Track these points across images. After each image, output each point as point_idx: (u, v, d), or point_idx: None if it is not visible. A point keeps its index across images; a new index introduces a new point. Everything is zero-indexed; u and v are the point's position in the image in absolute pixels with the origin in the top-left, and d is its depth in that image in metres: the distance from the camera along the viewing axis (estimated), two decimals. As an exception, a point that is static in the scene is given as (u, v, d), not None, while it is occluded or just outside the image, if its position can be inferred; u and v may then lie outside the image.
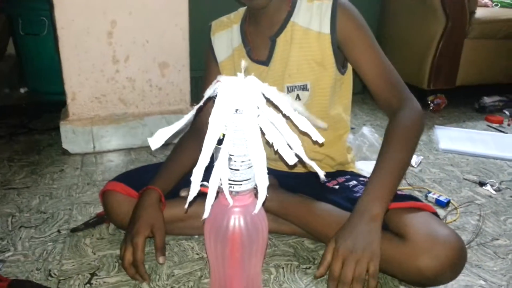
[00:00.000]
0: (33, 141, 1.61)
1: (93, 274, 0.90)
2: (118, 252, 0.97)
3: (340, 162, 1.11)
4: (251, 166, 0.64)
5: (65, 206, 1.17)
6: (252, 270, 0.68)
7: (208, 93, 0.63)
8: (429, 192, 1.26)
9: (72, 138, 1.47)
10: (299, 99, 1.00)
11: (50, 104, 1.80)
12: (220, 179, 0.60)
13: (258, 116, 0.62)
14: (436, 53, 1.96)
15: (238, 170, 0.62)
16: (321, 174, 0.67)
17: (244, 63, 0.63)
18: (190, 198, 0.61)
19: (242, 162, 0.62)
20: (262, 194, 0.62)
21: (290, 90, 0.99)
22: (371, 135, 1.48)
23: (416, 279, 0.81)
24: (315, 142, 0.67)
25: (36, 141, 1.61)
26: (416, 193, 1.30)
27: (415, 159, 1.47)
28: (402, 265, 0.80)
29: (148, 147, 1.58)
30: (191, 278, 0.89)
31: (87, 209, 1.15)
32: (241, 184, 0.63)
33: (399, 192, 0.95)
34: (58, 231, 1.06)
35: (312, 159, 1.10)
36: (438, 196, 1.23)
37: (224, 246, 0.64)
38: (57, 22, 1.38)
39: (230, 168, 0.62)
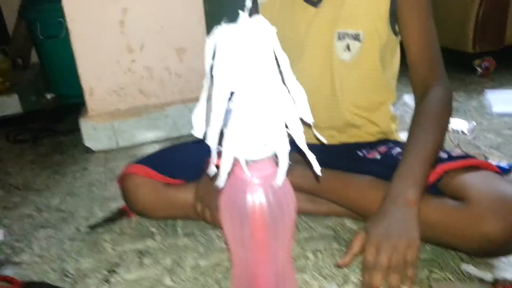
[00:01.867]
0: (57, 143, 1.57)
1: (111, 271, 0.82)
2: (139, 246, 0.89)
3: (383, 131, 0.97)
4: (269, 128, 0.52)
5: (86, 204, 1.10)
6: (280, 255, 0.57)
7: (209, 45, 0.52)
8: (487, 159, 1.10)
9: (94, 134, 1.41)
10: (349, 50, 0.88)
11: (74, 106, 1.75)
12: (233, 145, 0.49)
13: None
14: (480, 9, 1.76)
15: (252, 133, 0.51)
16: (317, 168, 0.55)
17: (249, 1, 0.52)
18: (225, 170, 0.50)
19: (256, 122, 0.51)
20: (284, 161, 0.50)
21: (340, 37, 0.87)
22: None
23: (481, 248, 0.67)
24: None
25: (59, 143, 1.57)
26: (472, 161, 1.14)
27: (467, 126, 1.30)
28: (465, 233, 0.67)
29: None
30: (218, 269, 0.79)
31: (108, 205, 1.08)
32: (257, 150, 0.51)
33: (452, 154, 0.81)
34: (77, 229, 0.98)
35: (351, 124, 0.99)
36: (498, 162, 1.07)
37: (243, 227, 0.52)
38: (66, 15, 1.32)
39: (243, 131, 0.51)
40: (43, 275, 0.83)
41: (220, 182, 0.50)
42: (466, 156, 0.78)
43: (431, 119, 0.80)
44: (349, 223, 0.90)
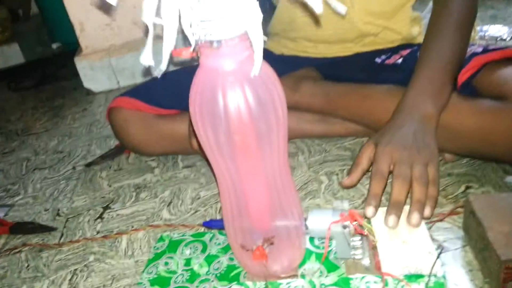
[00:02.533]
0: (58, 88, 1.49)
1: (106, 208, 0.75)
2: (137, 181, 0.81)
3: (404, 37, 0.83)
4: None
5: (84, 143, 1.02)
6: (272, 166, 0.46)
7: None
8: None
9: (91, 74, 1.32)
10: None
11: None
12: (183, 18, 0.38)
13: None
14: None
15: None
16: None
17: None
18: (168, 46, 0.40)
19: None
20: (258, 40, 0.38)
21: None
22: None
23: None
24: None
25: (61, 88, 1.49)
26: None
27: (506, 30, 1.14)
28: (507, 138, 0.55)
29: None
30: (219, 199, 0.70)
31: (107, 142, 1.00)
32: (223, 26, 0.39)
33: (489, 47, 0.67)
34: (73, 168, 0.91)
35: (365, 34, 0.85)
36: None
37: (218, 132, 0.41)
38: None
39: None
40: (36, 216, 0.77)
41: (163, 65, 0.40)
42: (505, 48, 0.64)
43: (451, 23, 0.65)
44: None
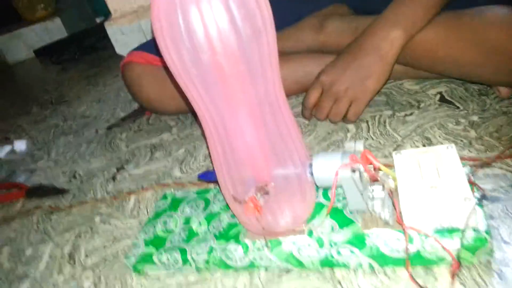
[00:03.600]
0: (96, 58, 1.49)
1: (120, 169, 0.71)
2: (154, 141, 0.76)
3: None
4: None
5: (110, 107, 1.00)
6: (264, 99, 0.38)
7: None
8: None
9: (123, 39, 1.28)
10: None
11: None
12: None
13: None
14: None
15: None
16: None
17: None
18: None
19: None
20: None
21: None
22: None
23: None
24: None
25: (98, 58, 1.48)
26: None
27: None
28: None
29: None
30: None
31: (131, 105, 0.96)
32: None
33: None
34: (96, 131, 0.89)
35: None
36: None
37: (180, 51, 0.33)
38: None
39: None
40: (53, 179, 0.75)
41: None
42: None
43: None
44: (408, 84, 0.68)
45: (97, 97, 1.09)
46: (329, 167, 0.40)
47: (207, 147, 0.44)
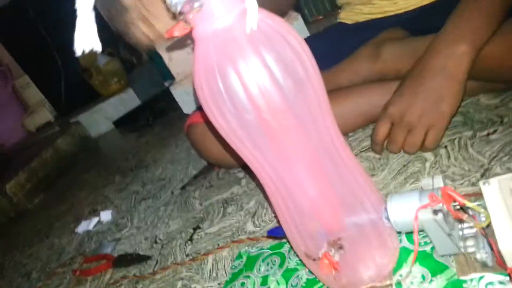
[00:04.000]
0: (167, 121, 1.57)
1: (196, 228, 0.71)
2: (225, 195, 0.76)
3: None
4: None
5: (183, 167, 1.03)
6: (323, 148, 0.36)
7: None
8: None
9: (189, 100, 1.34)
10: None
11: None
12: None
13: None
14: None
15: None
16: None
17: None
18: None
19: None
20: None
21: None
22: None
23: None
24: None
25: (169, 120, 1.56)
26: None
27: None
28: None
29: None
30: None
31: (202, 161, 0.98)
32: None
33: None
34: (172, 192, 0.91)
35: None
36: None
37: (239, 120, 0.33)
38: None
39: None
40: (137, 246, 0.77)
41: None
42: None
43: None
44: (485, 99, 0.62)
45: (170, 158, 1.14)
46: (407, 209, 0.36)
47: (270, 204, 0.42)
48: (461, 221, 0.35)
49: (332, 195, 0.36)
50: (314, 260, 0.38)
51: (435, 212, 0.34)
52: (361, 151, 0.66)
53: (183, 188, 0.89)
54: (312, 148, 0.35)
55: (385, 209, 0.38)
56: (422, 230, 0.36)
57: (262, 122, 0.32)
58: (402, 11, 0.72)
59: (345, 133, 0.72)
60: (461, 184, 0.49)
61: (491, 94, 0.62)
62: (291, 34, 0.35)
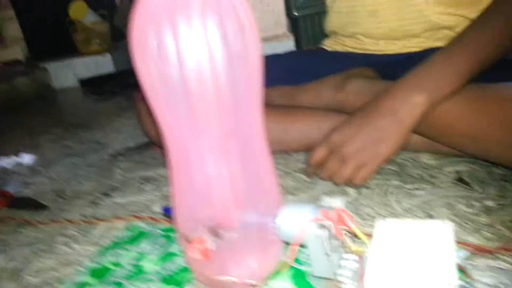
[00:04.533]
0: (136, 94, 1.53)
1: (105, 195, 0.68)
2: (150, 174, 0.73)
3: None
4: None
5: (124, 137, 0.99)
6: (245, 128, 0.34)
7: None
8: None
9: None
10: None
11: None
12: None
13: None
14: None
15: None
16: None
17: None
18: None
19: None
20: None
21: None
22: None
23: None
24: None
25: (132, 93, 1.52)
26: None
27: None
28: None
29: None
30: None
31: (144, 139, 0.95)
32: None
33: None
34: (100, 158, 0.87)
35: (438, 26, 0.69)
36: None
37: (163, 68, 0.31)
38: None
39: None
40: (41, 195, 0.72)
41: None
42: None
43: (498, 20, 0.53)
44: (425, 158, 0.62)
45: (116, 127, 1.09)
46: (296, 220, 0.35)
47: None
48: (344, 245, 0.34)
49: (232, 181, 0.34)
50: (188, 242, 0.35)
51: (321, 227, 0.32)
52: (294, 171, 0.65)
53: (113, 156, 0.85)
54: (226, 125, 0.33)
55: (277, 216, 0.36)
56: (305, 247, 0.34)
57: (183, 80, 0.30)
58: (381, 53, 0.72)
59: (289, 151, 0.71)
60: (370, 225, 0.47)
61: (433, 155, 0.62)
62: (243, 7, 0.33)
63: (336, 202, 0.36)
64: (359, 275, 0.33)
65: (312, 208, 0.35)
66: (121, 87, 1.63)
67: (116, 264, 0.43)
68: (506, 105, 0.48)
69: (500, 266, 0.36)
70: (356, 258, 0.34)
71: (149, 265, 0.42)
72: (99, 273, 0.42)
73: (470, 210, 0.47)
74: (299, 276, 0.36)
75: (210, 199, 0.35)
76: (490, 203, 0.48)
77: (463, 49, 0.53)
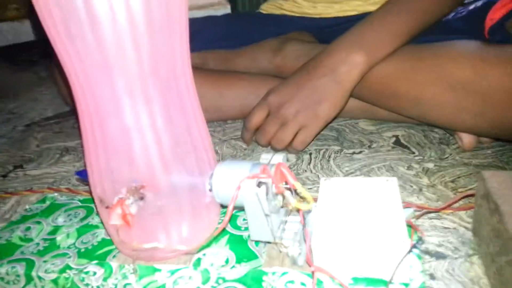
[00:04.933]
0: (56, 65, 1.40)
1: (17, 167, 0.59)
2: (70, 144, 0.66)
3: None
4: None
5: (42, 107, 0.89)
6: (168, 75, 0.29)
7: None
8: None
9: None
10: None
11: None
12: None
13: None
14: None
15: None
16: None
17: None
18: None
19: None
20: None
21: None
22: None
23: None
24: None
25: (58, 65, 1.39)
26: None
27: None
28: None
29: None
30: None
31: (65, 108, 0.86)
32: None
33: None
34: (14, 127, 0.77)
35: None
36: None
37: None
38: None
39: None
40: None
41: None
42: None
43: None
44: (364, 124, 0.61)
45: (33, 97, 0.99)
46: (233, 178, 0.31)
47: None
48: (285, 204, 0.30)
49: (154, 132, 0.29)
50: (107, 207, 0.30)
51: (259, 184, 0.29)
52: (231, 138, 0.61)
53: (28, 125, 0.76)
54: (144, 62, 0.28)
55: (211, 175, 0.32)
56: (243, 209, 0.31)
57: (87, 2, 0.24)
58: (318, 16, 0.70)
59: (226, 120, 0.67)
60: (310, 189, 0.45)
61: (371, 121, 0.61)
62: None
63: (277, 159, 0.32)
64: (302, 237, 0.30)
65: (250, 164, 0.31)
66: (41, 56, 1.48)
67: (27, 240, 0.37)
68: (441, 60, 0.47)
69: (445, 226, 0.35)
70: (298, 219, 0.31)
71: (65, 239, 0.37)
72: (6, 250, 0.36)
73: (411, 172, 0.46)
74: (237, 241, 0.33)
75: (129, 155, 0.30)
76: (429, 165, 0.47)
77: (401, 9, 0.52)
